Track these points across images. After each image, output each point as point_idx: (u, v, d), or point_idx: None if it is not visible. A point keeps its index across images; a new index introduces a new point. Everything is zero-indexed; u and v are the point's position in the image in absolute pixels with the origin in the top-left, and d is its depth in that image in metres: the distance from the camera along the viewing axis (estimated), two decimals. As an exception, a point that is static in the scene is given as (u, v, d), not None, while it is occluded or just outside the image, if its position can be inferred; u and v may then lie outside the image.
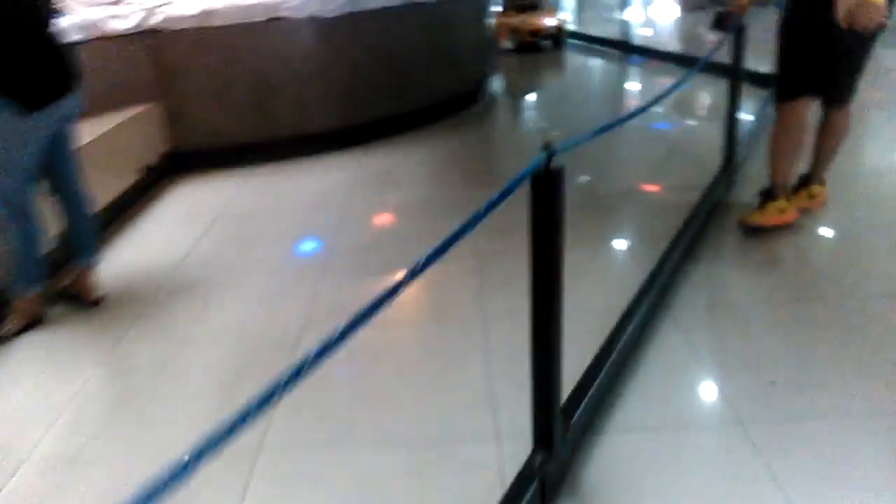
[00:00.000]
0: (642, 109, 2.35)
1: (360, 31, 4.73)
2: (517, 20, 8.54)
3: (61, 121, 2.59)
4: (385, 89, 4.99)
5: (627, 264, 3.05)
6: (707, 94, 5.95)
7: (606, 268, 3.00)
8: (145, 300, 2.87)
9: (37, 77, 2.47)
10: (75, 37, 3.86)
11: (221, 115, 4.50)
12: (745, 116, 4.28)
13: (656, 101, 2.53)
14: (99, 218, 3.14)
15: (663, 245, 2.85)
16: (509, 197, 1.31)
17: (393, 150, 4.85)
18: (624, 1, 10.34)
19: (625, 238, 3.31)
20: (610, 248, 3.21)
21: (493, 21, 7.63)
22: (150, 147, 4.25)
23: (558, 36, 8.74)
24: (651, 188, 3.90)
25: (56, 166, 2.67)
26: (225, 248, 3.39)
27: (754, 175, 3.49)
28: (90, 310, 2.79)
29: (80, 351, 2.55)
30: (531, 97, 7.07)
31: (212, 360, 2.43)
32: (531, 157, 1.36)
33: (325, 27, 4.57)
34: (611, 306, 2.37)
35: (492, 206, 1.27)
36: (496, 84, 6.88)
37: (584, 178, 3.99)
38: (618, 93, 7.17)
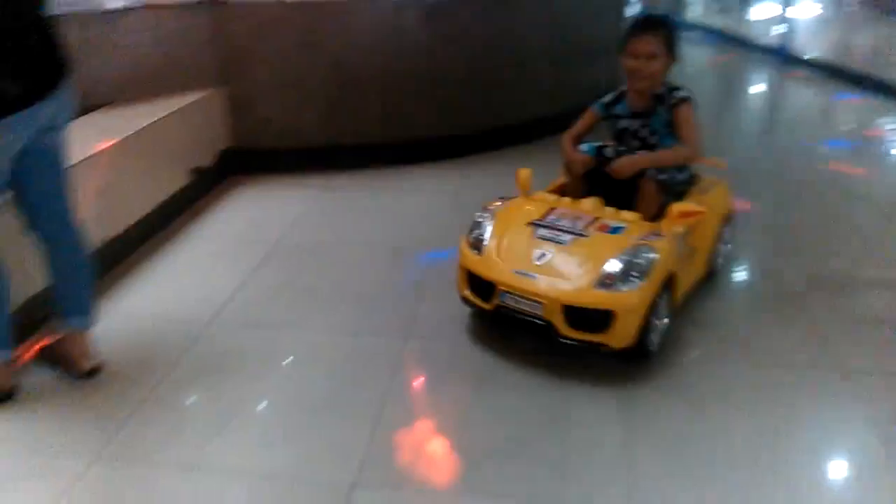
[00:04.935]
0: None
1: (473, 19, 3.77)
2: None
3: (41, 131, 1.78)
4: (503, 92, 4.03)
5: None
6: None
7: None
8: (155, 377, 2.06)
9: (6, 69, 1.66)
10: (118, 3, 3.09)
11: (295, 110, 3.65)
12: None
13: None
14: (102, 257, 2.38)
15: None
16: None
17: (503, 163, 3.87)
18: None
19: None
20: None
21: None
22: (205, 144, 3.46)
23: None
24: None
25: (35, 194, 1.87)
26: (277, 298, 2.54)
27: None
28: (79, 384, 2.00)
29: (65, 439, 1.83)
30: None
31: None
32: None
33: (428, 12, 3.64)
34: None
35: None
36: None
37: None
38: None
